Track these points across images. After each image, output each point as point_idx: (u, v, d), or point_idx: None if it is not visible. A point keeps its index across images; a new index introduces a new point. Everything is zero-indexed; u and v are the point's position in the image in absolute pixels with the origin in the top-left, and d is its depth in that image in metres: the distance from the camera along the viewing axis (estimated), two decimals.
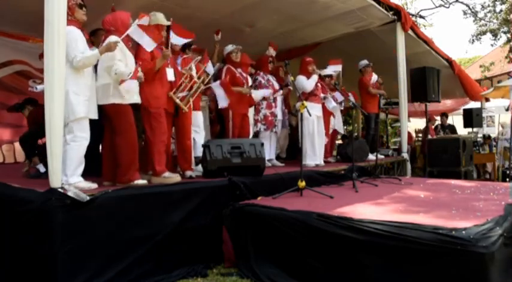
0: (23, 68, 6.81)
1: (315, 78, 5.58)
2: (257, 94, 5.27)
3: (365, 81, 6.71)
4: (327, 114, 6.12)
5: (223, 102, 4.61)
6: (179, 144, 4.10)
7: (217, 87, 4.62)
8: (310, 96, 5.50)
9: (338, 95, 6.19)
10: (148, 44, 3.44)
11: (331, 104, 5.95)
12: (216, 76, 4.97)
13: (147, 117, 3.59)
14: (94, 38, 4.24)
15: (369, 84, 6.68)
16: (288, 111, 6.28)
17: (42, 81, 6.49)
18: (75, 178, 3.10)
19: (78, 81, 3.10)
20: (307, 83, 5.47)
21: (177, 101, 3.74)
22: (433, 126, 9.13)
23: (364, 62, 6.80)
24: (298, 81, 5.36)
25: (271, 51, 5.73)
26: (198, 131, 4.48)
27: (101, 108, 3.37)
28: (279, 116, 5.61)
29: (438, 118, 9.41)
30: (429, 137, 8.10)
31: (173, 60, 3.98)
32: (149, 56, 3.61)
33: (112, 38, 3.22)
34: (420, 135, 9.93)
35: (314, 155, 5.52)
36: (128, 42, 3.44)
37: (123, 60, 3.32)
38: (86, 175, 3.33)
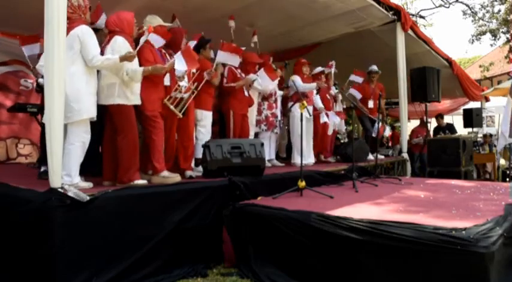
0: (18, 68, 6.83)
1: (313, 86, 5.69)
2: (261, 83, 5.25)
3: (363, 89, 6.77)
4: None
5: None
6: (180, 143, 4.10)
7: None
8: (303, 96, 5.51)
9: (333, 89, 6.33)
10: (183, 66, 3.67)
11: (323, 119, 6.00)
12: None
13: (144, 119, 3.59)
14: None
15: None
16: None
17: (34, 81, 6.54)
18: (77, 179, 3.11)
19: (91, 82, 3.13)
20: (304, 85, 5.52)
21: (172, 107, 3.71)
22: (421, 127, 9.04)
23: (374, 67, 6.83)
24: (291, 81, 5.37)
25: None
26: (204, 132, 4.47)
27: (104, 108, 3.37)
28: (279, 117, 5.63)
29: (432, 120, 9.28)
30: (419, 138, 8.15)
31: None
32: (153, 58, 3.61)
33: (136, 46, 3.37)
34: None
35: (305, 154, 5.55)
36: (132, 43, 3.44)
37: (131, 62, 3.32)
38: (86, 175, 3.33)
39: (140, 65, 3.51)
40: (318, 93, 6.03)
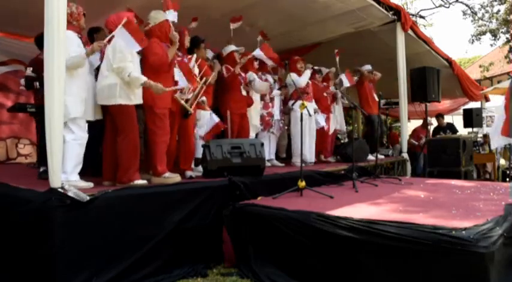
0: (18, 68, 6.83)
1: (307, 73, 5.67)
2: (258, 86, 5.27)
3: (366, 86, 6.75)
4: (326, 111, 6.17)
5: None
6: (182, 143, 4.11)
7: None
8: (302, 94, 5.51)
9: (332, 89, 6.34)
10: (133, 45, 3.34)
11: (321, 123, 5.93)
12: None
13: (152, 117, 3.58)
14: (96, 35, 4.25)
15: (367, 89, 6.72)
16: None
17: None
18: (74, 176, 3.11)
19: (70, 83, 3.09)
20: (300, 79, 5.51)
21: (182, 102, 3.74)
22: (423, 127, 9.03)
23: (368, 66, 6.82)
24: (290, 78, 5.38)
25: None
26: (203, 132, 4.46)
27: (104, 108, 3.36)
28: (276, 116, 5.61)
29: (433, 120, 9.28)
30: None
31: (182, 60, 4.00)
32: (161, 51, 3.61)
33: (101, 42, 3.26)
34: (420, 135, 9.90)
35: (307, 153, 5.54)
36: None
37: (133, 61, 3.33)
38: (86, 175, 3.33)
39: (147, 59, 3.50)
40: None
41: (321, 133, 6.14)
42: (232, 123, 4.86)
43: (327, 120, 6.23)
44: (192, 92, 3.94)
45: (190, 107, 3.80)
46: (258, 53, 5.05)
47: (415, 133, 8.98)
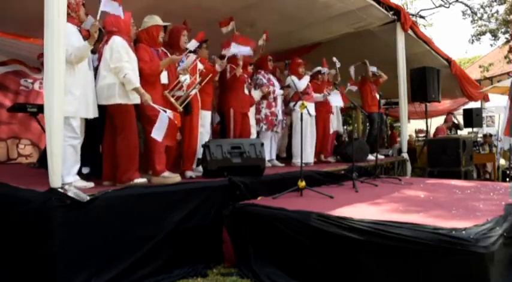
0: (17, 68, 6.83)
1: (307, 78, 5.69)
2: (255, 94, 5.30)
3: (368, 85, 6.78)
4: (327, 112, 6.16)
5: None
6: (184, 143, 4.10)
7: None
8: (303, 95, 5.52)
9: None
10: (118, 11, 3.22)
11: (336, 100, 5.84)
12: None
13: (146, 119, 3.57)
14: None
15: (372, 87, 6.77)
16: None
17: (34, 81, 6.42)
18: (71, 177, 3.09)
19: (66, 80, 2.97)
20: (300, 82, 5.52)
21: (172, 100, 3.70)
22: (447, 127, 9.03)
23: (374, 68, 6.87)
24: (291, 80, 5.39)
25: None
26: (203, 132, 4.43)
27: (103, 108, 3.36)
28: (280, 116, 5.62)
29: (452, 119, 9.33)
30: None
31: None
32: (148, 58, 3.59)
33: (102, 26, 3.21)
34: (421, 135, 9.92)
35: (304, 154, 5.55)
36: (130, 42, 3.44)
37: (130, 62, 3.32)
38: (86, 175, 3.33)
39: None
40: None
41: (321, 133, 6.14)
42: (235, 123, 4.86)
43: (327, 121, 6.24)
44: (189, 89, 3.90)
45: (181, 105, 3.75)
46: (235, 50, 4.58)
47: (439, 130, 8.97)
